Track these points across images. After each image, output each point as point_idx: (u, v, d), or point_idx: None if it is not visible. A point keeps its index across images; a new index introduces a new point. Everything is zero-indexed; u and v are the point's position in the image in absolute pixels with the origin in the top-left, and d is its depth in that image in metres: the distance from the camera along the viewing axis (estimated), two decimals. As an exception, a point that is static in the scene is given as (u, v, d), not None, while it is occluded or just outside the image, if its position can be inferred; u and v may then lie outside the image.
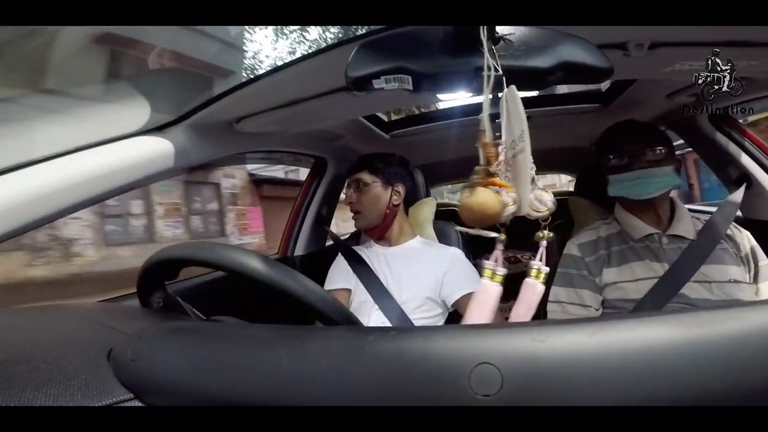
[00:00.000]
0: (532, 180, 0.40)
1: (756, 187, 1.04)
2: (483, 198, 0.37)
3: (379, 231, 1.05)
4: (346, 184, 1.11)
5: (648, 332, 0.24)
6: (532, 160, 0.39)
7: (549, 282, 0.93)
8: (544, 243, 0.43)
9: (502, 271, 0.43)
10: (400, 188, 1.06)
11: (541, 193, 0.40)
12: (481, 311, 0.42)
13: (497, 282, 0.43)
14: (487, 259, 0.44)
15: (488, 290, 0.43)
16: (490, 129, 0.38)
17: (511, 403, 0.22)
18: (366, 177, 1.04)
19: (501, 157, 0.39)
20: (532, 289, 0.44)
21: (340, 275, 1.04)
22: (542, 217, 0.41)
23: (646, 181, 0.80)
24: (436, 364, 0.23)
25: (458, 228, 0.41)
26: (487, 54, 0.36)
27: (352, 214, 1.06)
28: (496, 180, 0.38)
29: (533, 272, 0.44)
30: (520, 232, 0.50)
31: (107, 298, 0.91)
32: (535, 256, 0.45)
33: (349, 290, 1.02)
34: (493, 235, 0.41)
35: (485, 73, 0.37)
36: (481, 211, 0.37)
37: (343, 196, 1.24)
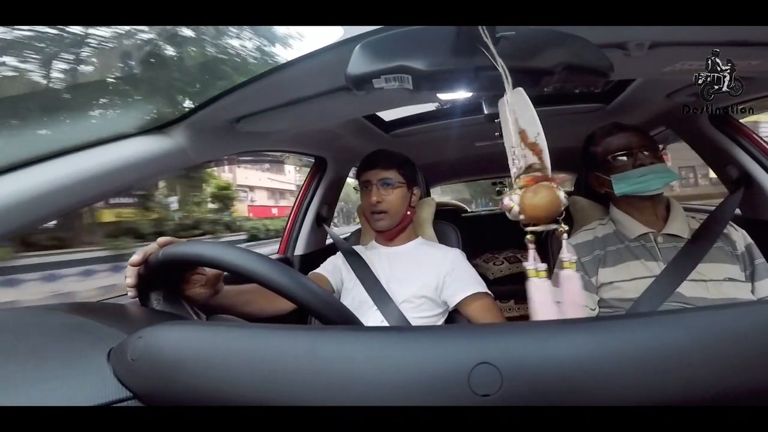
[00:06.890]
0: None
1: (756, 187, 1.04)
2: (549, 196, 0.39)
3: (395, 233, 1.03)
4: (362, 181, 1.02)
5: (647, 332, 0.24)
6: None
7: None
8: (532, 246, 0.43)
9: (542, 266, 0.43)
10: (417, 191, 1.06)
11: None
12: (545, 309, 0.43)
13: (544, 277, 0.43)
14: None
15: (542, 288, 0.43)
16: (540, 127, 0.39)
17: (510, 403, 0.22)
18: (394, 175, 1.00)
19: (521, 162, 0.39)
20: (535, 286, 0.44)
21: (327, 266, 1.06)
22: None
23: (652, 177, 0.81)
24: (436, 363, 0.23)
25: (528, 229, 0.42)
26: (495, 53, 0.36)
27: (375, 214, 0.99)
28: (555, 177, 0.40)
29: (531, 272, 0.44)
30: (519, 232, 0.51)
31: (107, 297, 0.91)
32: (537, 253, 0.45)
33: (326, 279, 1.02)
34: (556, 227, 0.42)
35: (503, 72, 0.37)
36: (547, 207, 0.39)
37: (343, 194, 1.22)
